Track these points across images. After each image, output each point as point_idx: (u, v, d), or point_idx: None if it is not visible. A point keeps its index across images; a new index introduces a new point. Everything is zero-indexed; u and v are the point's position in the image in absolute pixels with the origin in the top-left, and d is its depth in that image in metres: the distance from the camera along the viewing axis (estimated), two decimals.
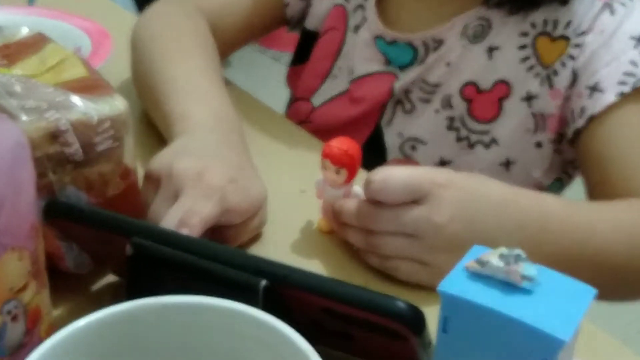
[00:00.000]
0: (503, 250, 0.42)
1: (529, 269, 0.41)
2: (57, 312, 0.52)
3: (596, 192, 0.72)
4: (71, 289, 0.54)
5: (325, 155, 0.59)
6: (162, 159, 0.59)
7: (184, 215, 0.53)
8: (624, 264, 0.63)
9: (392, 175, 0.56)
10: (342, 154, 0.58)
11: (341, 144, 0.58)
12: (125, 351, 0.37)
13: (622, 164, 0.70)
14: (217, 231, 0.57)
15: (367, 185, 0.56)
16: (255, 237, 0.62)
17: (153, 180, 0.58)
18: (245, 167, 0.62)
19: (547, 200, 0.63)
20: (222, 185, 0.56)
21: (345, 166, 0.58)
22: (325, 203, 0.62)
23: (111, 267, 0.56)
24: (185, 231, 0.52)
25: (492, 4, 0.76)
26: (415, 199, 0.56)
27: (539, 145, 0.78)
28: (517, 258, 0.41)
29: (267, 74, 2.42)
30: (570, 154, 0.79)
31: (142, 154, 0.68)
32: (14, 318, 0.43)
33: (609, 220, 0.64)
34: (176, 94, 0.69)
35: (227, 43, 0.84)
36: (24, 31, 0.62)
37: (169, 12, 0.81)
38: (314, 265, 0.60)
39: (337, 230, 0.62)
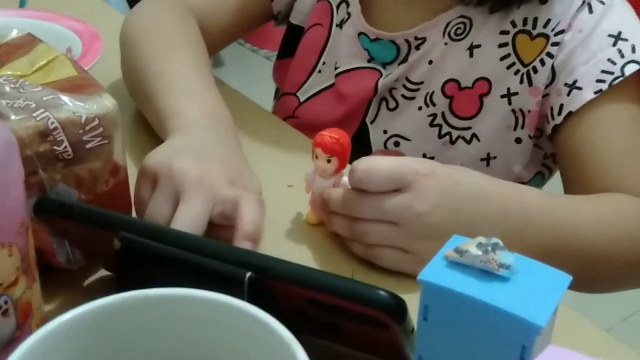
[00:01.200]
0: (481, 239, 0.43)
1: (506, 257, 0.42)
2: (49, 307, 0.53)
3: (573, 187, 0.73)
4: (63, 284, 0.55)
5: (317, 144, 0.60)
6: (160, 157, 0.59)
7: (241, 227, 0.53)
8: (605, 255, 0.64)
9: (375, 165, 0.57)
10: (333, 143, 0.60)
11: (333, 132, 0.60)
12: (112, 343, 0.38)
13: (599, 161, 0.71)
14: (213, 232, 0.58)
15: (351, 173, 0.58)
16: None
17: (149, 176, 0.58)
18: (241, 167, 0.62)
19: (529, 193, 0.64)
20: (220, 182, 0.57)
21: (336, 155, 0.60)
22: (314, 195, 0.63)
23: (102, 262, 0.57)
24: (248, 245, 0.52)
25: (472, 3, 0.77)
26: (398, 188, 0.57)
27: (518, 141, 0.79)
28: (495, 247, 0.42)
29: (260, 73, 2.43)
30: (550, 148, 0.80)
31: (134, 152, 0.70)
32: (5, 313, 0.44)
33: (590, 213, 0.65)
34: (168, 89, 0.70)
35: (216, 40, 0.85)
36: (14, 32, 0.63)
37: (157, 10, 0.82)
38: (302, 257, 0.61)
39: (325, 220, 0.63)
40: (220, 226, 0.57)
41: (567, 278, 0.43)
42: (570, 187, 0.74)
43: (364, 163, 0.57)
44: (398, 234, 0.58)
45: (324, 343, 0.50)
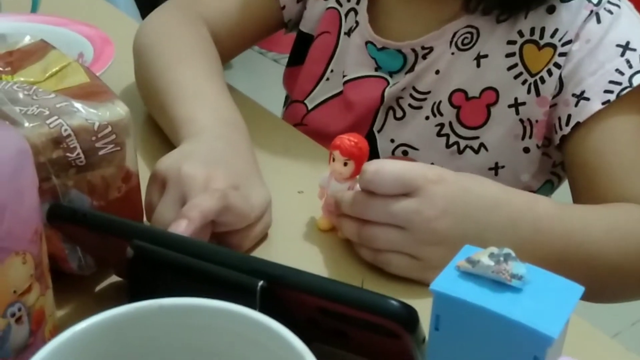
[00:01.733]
0: (493, 249, 0.43)
1: (518, 267, 0.42)
2: (61, 313, 0.53)
3: (582, 197, 0.73)
4: (75, 290, 0.56)
5: (335, 147, 0.61)
6: (170, 162, 0.60)
7: (184, 208, 0.55)
8: (617, 266, 0.64)
9: (385, 167, 0.58)
10: (352, 146, 0.60)
11: (351, 136, 0.61)
12: (125, 352, 0.38)
13: (607, 171, 0.71)
14: (222, 239, 0.59)
15: (361, 175, 0.58)
16: None
17: (159, 181, 0.59)
18: (249, 174, 0.63)
19: (541, 202, 0.64)
20: (224, 187, 0.58)
21: (354, 158, 0.60)
22: (327, 199, 0.63)
23: (114, 269, 0.57)
24: (184, 223, 0.53)
25: (478, 11, 0.76)
26: (407, 192, 0.57)
27: (526, 150, 0.79)
28: (507, 257, 0.42)
29: (268, 75, 2.43)
30: (559, 157, 0.80)
31: (146, 158, 0.70)
32: (18, 320, 0.44)
33: (601, 223, 0.65)
34: (181, 97, 0.70)
35: (228, 48, 0.85)
36: (27, 39, 0.64)
37: (170, 19, 0.82)
38: (312, 264, 0.62)
39: (336, 225, 0.63)
40: (228, 232, 0.58)
41: (580, 289, 0.43)
42: (579, 196, 0.74)
43: (374, 165, 0.58)
44: (406, 239, 0.58)
45: (335, 351, 0.50)
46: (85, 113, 0.53)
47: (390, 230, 0.58)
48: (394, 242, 0.58)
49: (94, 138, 0.53)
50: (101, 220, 0.51)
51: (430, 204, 0.57)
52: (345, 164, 0.60)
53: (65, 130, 0.52)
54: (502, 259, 0.42)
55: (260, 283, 0.45)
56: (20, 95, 0.54)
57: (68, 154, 0.53)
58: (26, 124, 0.51)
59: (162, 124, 0.74)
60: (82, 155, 0.53)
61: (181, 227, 0.53)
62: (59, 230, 0.53)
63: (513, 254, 0.43)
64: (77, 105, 0.54)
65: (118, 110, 0.55)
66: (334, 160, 0.61)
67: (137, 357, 0.38)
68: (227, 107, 0.70)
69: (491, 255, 0.43)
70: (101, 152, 0.54)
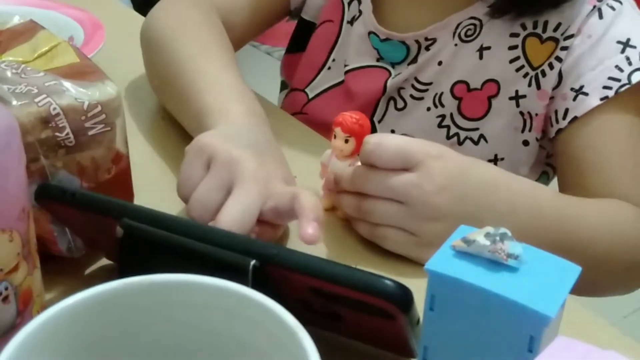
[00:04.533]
0: (489, 229, 0.42)
1: (514, 247, 0.42)
2: (50, 296, 0.52)
3: (569, 191, 0.73)
4: (64, 273, 0.55)
5: (337, 124, 0.60)
6: (219, 140, 0.57)
7: (318, 212, 0.52)
8: (606, 257, 0.65)
9: (387, 140, 0.58)
10: (353, 123, 0.60)
11: (354, 113, 0.61)
12: (114, 329, 0.37)
13: (598, 167, 0.71)
14: (259, 226, 0.56)
15: (362, 146, 0.58)
16: None
17: (203, 156, 0.56)
18: (287, 166, 0.62)
19: (540, 189, 0.64)
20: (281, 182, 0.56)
21: (355, 135, 0.60)
22: (327, 178, 0.63)
23: (103, 251, 0.56)
24: (317, 227, 0.51)
25: (494, 13, 0.75)
26: (407, 167, 0.57)
27: (526, 143, 0.79)
28: (503, 237, 0.42)
29: (261, 68, 2.42)
30: (551, 148, 0.80)
31: (136, 142, 0.69)
32: (5, 299, 0.43)
33: (594, 214, 0.65)
34: (207, 87, 0.68)
35: (239, 38, 0.83)
36: (16, 19, 0.63)
37: (183, 8, 0.80)
38: (309, 246, 0.61)
39: (335, 203, 0.63)
40: (267, 223, 0.56)
41: (577, 269, 0.42)
42: (566, 190, 0.74)
43: (376, 137, 0.58)
44: (403, 214, 0.57)
45: (328, 335, 0.49)
46: (74, 92, 0.52)
47: (388, 204, 0.58)
48: (391, 216, 0.58)
49: (83, 117, 0.52)
50: (90, 199, 0.50)
51: (430, 179, 0.57)
52: (347, 141, 0.60)
53: (54, 109, 0.51)
54: (498, 238, 0.42)
55: (253, 262, 0.44)
56: (8, 73, 0.53)
57: (57, 134, 0.52)
58: (14, 102, 0.50)
59: (182, 113, 0.71)
60: (71, 135, 0.52)
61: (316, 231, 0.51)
62: (47, 210, 0.52)
63: (509, 234, 0.42)
64: (67, 84, 0.53)
65: (108, 90, 0.54)
66: (335, 137, 0.61)
67: (127, 334, 0.37)
68: (251, 100, 0.68)
69: (487, 235, 0.42)
70: (91, 132, 0.53)
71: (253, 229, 0.54)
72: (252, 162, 0.56)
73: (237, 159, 0.55)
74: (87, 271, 0.57)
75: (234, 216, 0.52)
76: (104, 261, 0.57)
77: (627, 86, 0.71)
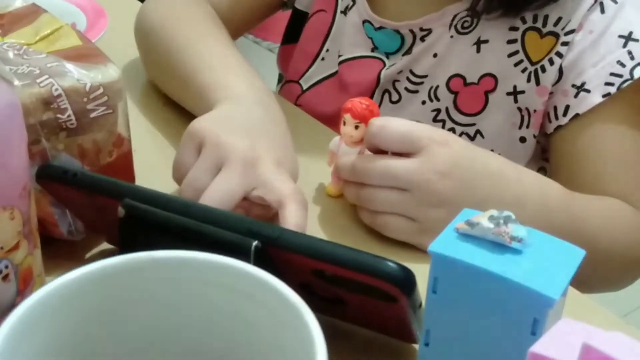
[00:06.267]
0: (493, 212, 0.42)
1: (518, 230, 0.41)
2: (49, 278, 0.52)
3: (565, 186, 0.72)
4: (64, 256, 0.54)
5: (347, 110, 0.60)
6: (210, 124, 0.57)
7: (284, 191, 0.52)
8: (606, 253, 0.65)
9: (392, 123, 0.57)
10: (363, 109, 0.60)
11: (363, 99, 0.60)
12: (116, 305, 0.37)
13: (595, 163, 0.71)
14: (247, 205, 0.56)
15: (367, 129, 0.58)
16: None
17: (195, 141, 0.57)
18: (286, 144, 0.61)
19: (548, 183, 0.64)
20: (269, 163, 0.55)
21: (365, 121, 0.60)
22: (336, 165, 0.63)
23: (105, 235, 0.56)
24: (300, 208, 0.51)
25: (485, 10, 0.74)
26: (410, 152, 0.57)
27: (523, 140, 0.77)
28: (507, 219, 0.42)
29: (262, 64, 2.42)
30: (546, 143, 0.79)
31: (138, 126, 0.69)
32: (5, 278, 0.43)
33: (598, 213, 0.66)
34: (209, 66, 0.68)
35: (235, 29, 0.83)
36: (18, 2, 0.62)
37: (175, 0, 0.80)
38: (318, 231, 0.61)
39: (343, 190, 0.63)
40: (256, 203, 0.55)
41: (581, 252, 0.42)
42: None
43: (381, 120, 0.58)
44: (405, 201, 0.57)
45: (330, 321, 0.49)
46: (76, 74, 0.52)
47: (389, 192, 0.57)
48: (393, 203, 0.57)
49: (85, 99, 0.52)
50: (92, 179, 0.49)
51: (433, 165, 0.56)
52: (357, 127, 0.60)
53: (56, 90, 0.51)
54: (502, 221, 0.42)
55: (255, 243, 0.44)
56: (10, 54, 0.53)
57: (59, 116, 0.51)
58: (16, 82, 0.50)
59: (184, 95, 0.71)
60: (73, 117, 0.52)
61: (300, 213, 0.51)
62: (48, 191, 0.52)
63: (513, 217, 0.42)
64: (69, 66, 0.52)
65: (111, 72, 0.54)
66: (344, 124, 0.60)
67: (128, 310, 0.37)
68: (257, 76, 0.68)
69: (491, 218, 0.42)
70: (92, 115, 0.53)
71: (241, 204, 0.53)
72: (241, 145, 0.55)
73: (224, 142, 0.55)
74: (88, 255, 0.56)
75: (214, 199, 0.52)
76: (105, 245, 0.57)
77: (630, 82, 0.70)
